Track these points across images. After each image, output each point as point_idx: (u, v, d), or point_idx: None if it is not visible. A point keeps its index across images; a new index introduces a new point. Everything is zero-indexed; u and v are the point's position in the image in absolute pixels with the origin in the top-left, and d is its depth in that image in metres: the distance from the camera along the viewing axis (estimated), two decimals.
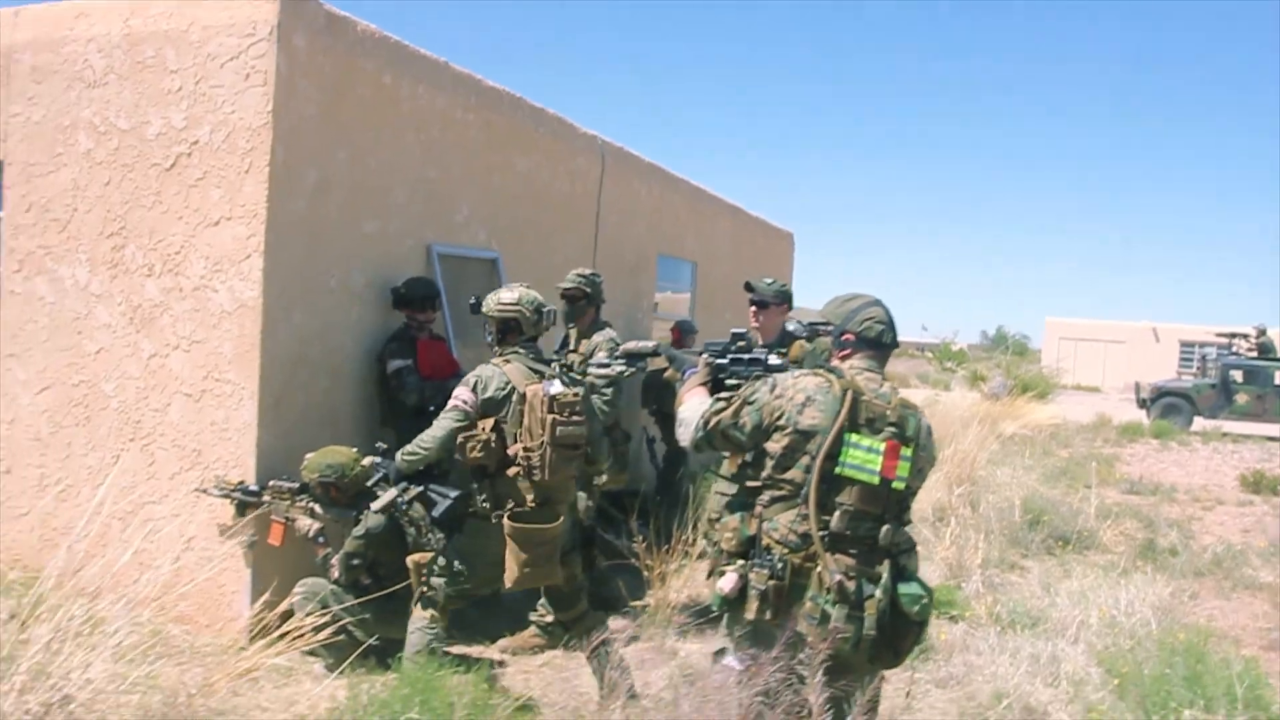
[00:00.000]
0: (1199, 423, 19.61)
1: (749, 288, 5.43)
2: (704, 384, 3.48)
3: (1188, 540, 8.66)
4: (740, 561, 3.08)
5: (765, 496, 3.11)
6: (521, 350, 4.69)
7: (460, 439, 4.41)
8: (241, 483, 4.88)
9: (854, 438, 3.01)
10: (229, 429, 5.00)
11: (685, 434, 3.32)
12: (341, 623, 4.54)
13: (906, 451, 3.07)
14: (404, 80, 5.74)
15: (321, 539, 4.79)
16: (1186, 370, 30.33)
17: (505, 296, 4.72)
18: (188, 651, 4.79)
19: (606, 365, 5.05)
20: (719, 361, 3.50)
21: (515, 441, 4.45)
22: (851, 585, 2.96)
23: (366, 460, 4.77)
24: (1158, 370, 30.31)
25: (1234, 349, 21.39)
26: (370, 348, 5.59)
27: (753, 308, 5.41)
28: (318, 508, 4.78)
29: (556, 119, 7.48)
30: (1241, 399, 19.61)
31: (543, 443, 4.35)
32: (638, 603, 6.09)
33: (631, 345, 4.76)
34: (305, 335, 5.16)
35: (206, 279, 5.03)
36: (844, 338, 3.22)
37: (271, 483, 4.83)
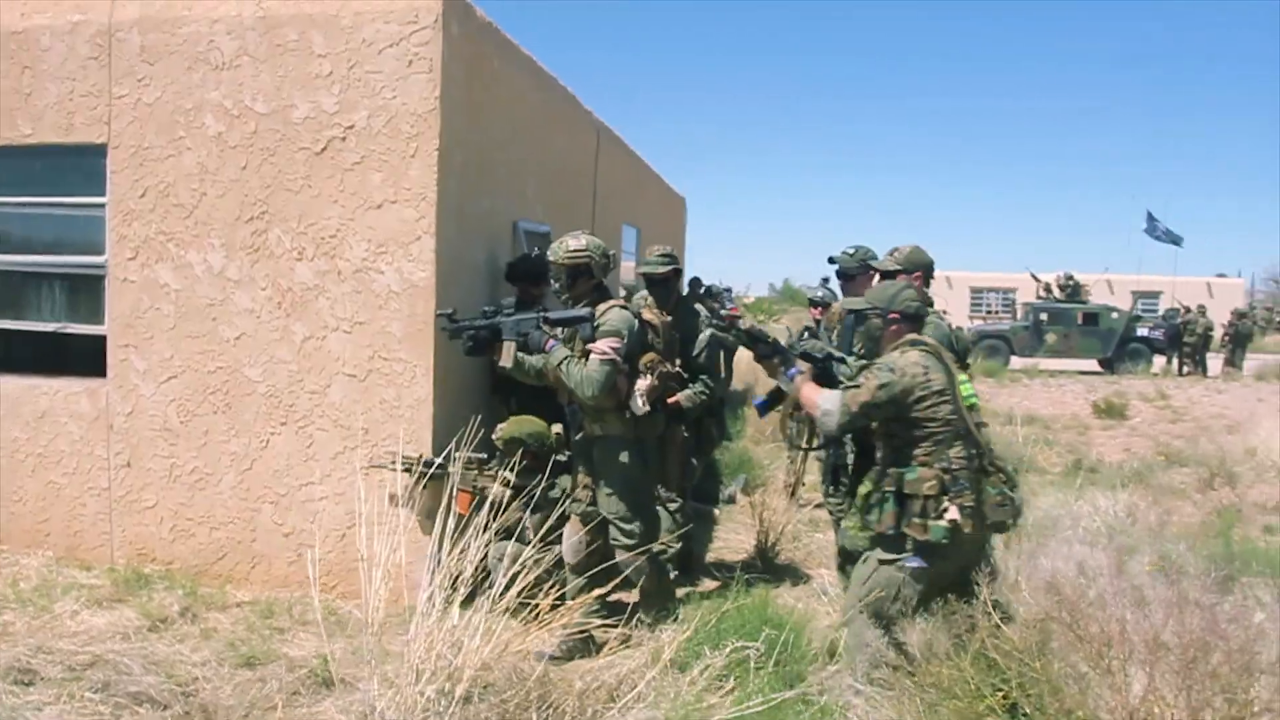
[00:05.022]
0: (1016, 361, 21.95)
1: (832, 261, 5.73)
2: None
3: (1100, 459, 10.08)
4: (944, 496, 3.83)
5: (927, 444, 3.88)
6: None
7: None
8: (421, 456, 5.08)
9: (959, 379, 4.02)
10: (400, 406, 5.17)
11: (831, 421, 4.02)
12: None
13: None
14: (503, 64, 5.97)
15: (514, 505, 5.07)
16: (977, 315, 33.47)
17: (572, 244, 4.77)
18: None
19: None
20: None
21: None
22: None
23: (556, 428, 5.09)
24: (953, 316, 33.21)
25: (1039, 295, 24.02)
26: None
27: (840, 280, 5.87)
28: (510, 475, 5.05)
29: (573, 98, 7.80)
30: (1051, 338, 22.13)
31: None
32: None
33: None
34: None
35: (369, 261, 5.15)
36: (891, 316, 4.11)
37: (459, 453, 5.05)
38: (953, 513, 3.80)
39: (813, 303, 7.64)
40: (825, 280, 7.59)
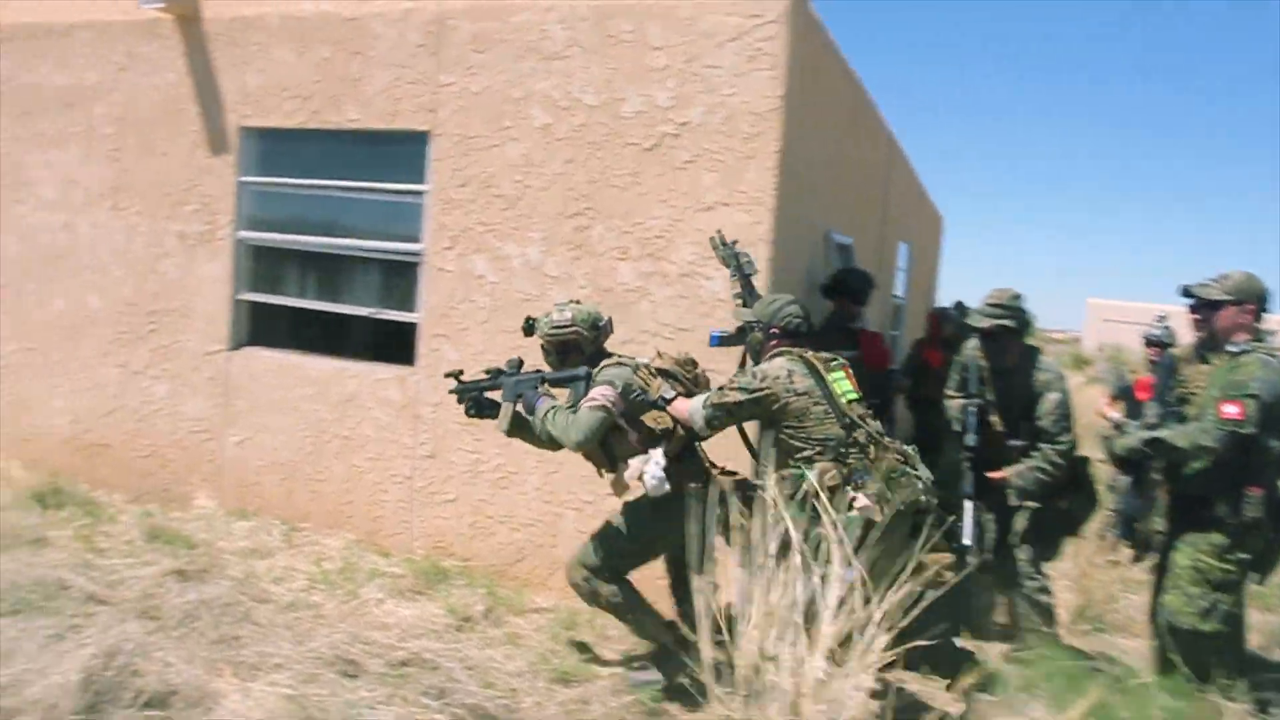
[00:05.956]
0: None
1: (1188, 294, 4.44)
2: None
3: None
4: (849, 487, 3.79)
5: (813, 444, 3.90)
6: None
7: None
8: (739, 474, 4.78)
9: (831, 378, 3.98)
10: None
11: (697, 419, 4.01)
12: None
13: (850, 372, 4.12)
14: (828, 64, 5.61)
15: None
16: None
17: (557, 317, 4.28)
18: None
19: None
20: None
21: None
22: None
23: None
24: None
25: None
26: None
27: (1195, 314, 4.84)
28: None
29: (872, 104, 7.35)
30: None
31: None
32: None
33: None
34: None
35: (697, 266, 4.89)
36: (771, 330, 4.13)
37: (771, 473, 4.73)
38: (862, 500, 3.74)
39: (1149, 342, 6.79)
40: (1162, 317, 6.72)
